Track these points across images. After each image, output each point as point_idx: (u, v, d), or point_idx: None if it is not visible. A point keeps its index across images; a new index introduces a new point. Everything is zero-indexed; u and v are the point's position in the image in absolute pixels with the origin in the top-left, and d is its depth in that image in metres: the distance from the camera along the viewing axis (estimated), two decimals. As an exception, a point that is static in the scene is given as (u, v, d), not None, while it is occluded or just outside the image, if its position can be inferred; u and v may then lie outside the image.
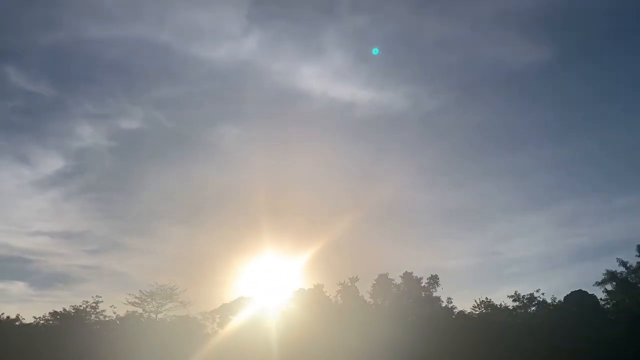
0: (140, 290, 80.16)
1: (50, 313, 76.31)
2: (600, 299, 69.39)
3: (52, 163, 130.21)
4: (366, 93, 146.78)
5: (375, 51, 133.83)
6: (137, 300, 79.52)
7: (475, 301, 74.36)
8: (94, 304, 76.61)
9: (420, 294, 75.77)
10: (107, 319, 77.75)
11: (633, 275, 66.94)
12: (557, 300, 71.15)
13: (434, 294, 75.46)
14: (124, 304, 78.94)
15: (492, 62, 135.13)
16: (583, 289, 75.44)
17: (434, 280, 76.12)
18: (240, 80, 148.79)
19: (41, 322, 76.39)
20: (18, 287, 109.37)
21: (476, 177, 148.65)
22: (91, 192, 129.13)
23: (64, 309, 76.10)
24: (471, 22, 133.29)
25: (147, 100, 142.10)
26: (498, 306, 73.61)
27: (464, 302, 74.50)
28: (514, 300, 71.86)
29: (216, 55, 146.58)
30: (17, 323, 77.13)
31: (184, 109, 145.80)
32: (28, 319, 77.81)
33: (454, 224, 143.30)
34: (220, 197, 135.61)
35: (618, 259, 67.50)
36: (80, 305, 76.46)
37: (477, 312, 73.28)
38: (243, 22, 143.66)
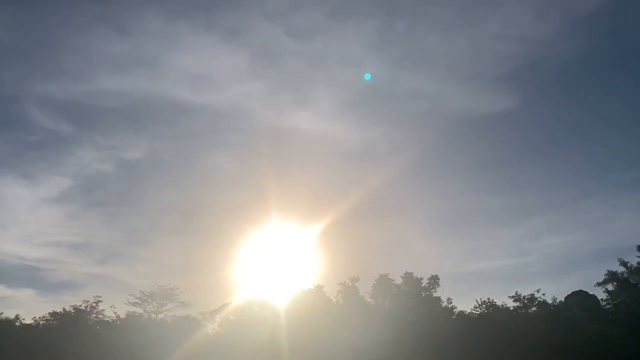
0: (140, 291, 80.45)
1: (50, 313, 76.24)
2: (601, 299, 69.26)
3: (63, 184, 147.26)
4: (351, 134, 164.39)
5: (367, 76, 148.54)
6: (137, 301, 79.67)
7: (477, 301, 74.38)
8: (94, 304, 76.66)
9: (420, 294, 75.63)
10: (107, 319, 77.79)
11: (634, 275, 66.74)
12: (557, 301, 71.11)
13: (435, 294, 75.33)
14: (125, 304, 79.17)
15: (460, 110, 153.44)
16: (584, 289, 75.66)
17: (434, 280, 76.00)
18: (236, 120, 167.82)
19: (41, 322, 76.32)
20: (26, 294, 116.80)
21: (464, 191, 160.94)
22: (97, 208, 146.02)
23: (64, 309, 76.05)
24: (439, 78, 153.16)
25: (150, 134, 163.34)
26: (499, 306, 73.52)
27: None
28: (515, 301, 71.68)
29: (215, 99, 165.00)
30: (16, 323, 77.05)
31: (183, 141, 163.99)
32: (28, 319, 77.95)
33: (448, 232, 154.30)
34: (215, 210, 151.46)
35: (619, 259, 67.31)
36: (81, 305, 76.47)
37: (477, 313, 73.20)
38: (242, 71, 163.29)
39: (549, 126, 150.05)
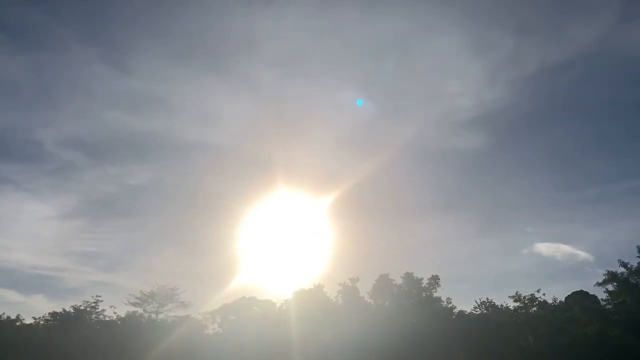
0: (140, 291, 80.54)
1: (50, 313, 76.32)
2: (602, 299, 69.02)
3: (73, 204, 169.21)
4: (343, 168, 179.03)
5: (359, 102, 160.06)
6: (137, 301, 79.71)
7: (476, 301, 74.32)
8: (93, 304, 76.72)
9: (421, 295, 75.50)
10: (107, 319, 77.90)
11: (635, 276, 66.45)
12: (558, 301, 70.97)
13: (435, 295, 75.21)
14: (125, 304, 79.30)
15: (437, 148, 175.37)
16: (584, 290, 75.49)
17: (434, 280, 75.90)
18: (235, 153, 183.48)
19: (41, 322, 76.39)
20: (37, 300, 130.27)
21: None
22: (102, 223, 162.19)
23: (64, 309, 76.14)
24: (417, 121, 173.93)
25: (154, 163, 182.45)
26: (499, 307, 73.45)
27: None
28: (515, 301, 71.47)
29: (217, 135, 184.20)
30: (17, 323, 77.12)
31: (185, 169, 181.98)
32: (28, 319, 78.10)
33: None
34: (213, 225, 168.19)
35: (619, 260, 66.84)
36: (81, 306, 76.51)
37: (477, 313, 73.12)
38: (244, 111, 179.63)
39: (519, 155, 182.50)
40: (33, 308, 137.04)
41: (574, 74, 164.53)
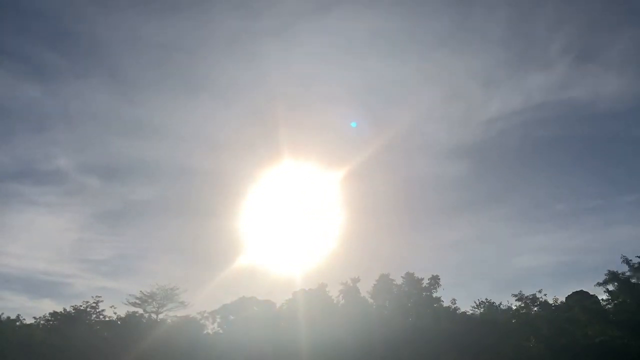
0: (140, 291, 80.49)
1: (50, 313, 76.26)
2: (602, 299, 68.85)
3: (84, 217, 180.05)
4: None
5: (353, 124, 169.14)
6: (137, 301, 79.69)
7: (476, 301, 74.27)
8: (93, 304, 76.67)
9: (421, 295, 75.46)
10: (107, 319, 77.83)
11: (638, 273, 66.14)
12: (559, 301, 70.82)
13: (435, 295, 75.14)
14: (125, 304, 79.26)
15: (423, 174, 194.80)
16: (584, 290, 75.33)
17: (434, 280, 75.84)
18: (234, 176, 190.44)
19: (41, 322, 76.36)
20: (45, 303, 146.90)
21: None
22: (108, 234, 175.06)
23: (64, 309, 76.10)
24: (402, 151, 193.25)
25: (157, 183, 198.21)
26: (499, 307, 73.37)
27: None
28: (518, 300, 71.34)
29: (216, 160, 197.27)
30: (17, 323, 77.11)
31: (183, 186, 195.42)
32: (28, 319, 78.09)
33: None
34: (213, 231, 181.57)
35: (622, 256, 66.30)
36: (81, 306, 76.47)
37: (478, 313, 73.02)
38: (240, 135, 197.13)
39: (489, 181, 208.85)
40: (40, 311, 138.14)
41: (532, 115, 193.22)
